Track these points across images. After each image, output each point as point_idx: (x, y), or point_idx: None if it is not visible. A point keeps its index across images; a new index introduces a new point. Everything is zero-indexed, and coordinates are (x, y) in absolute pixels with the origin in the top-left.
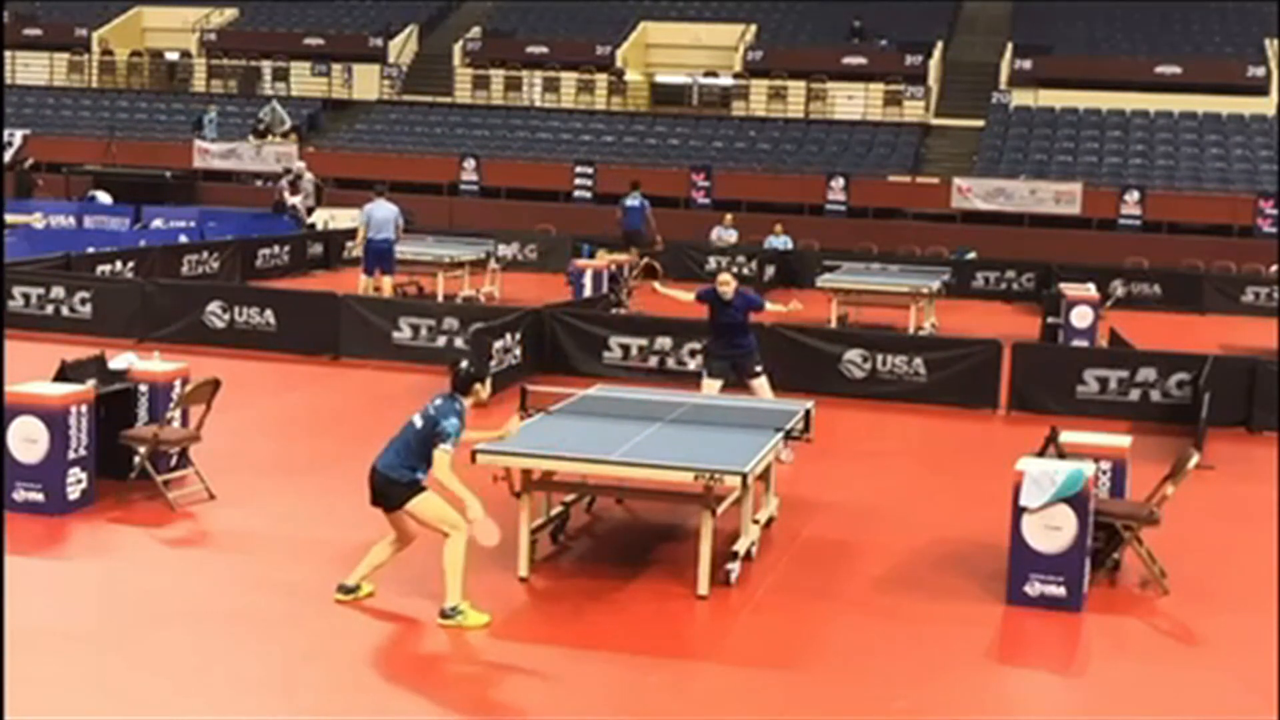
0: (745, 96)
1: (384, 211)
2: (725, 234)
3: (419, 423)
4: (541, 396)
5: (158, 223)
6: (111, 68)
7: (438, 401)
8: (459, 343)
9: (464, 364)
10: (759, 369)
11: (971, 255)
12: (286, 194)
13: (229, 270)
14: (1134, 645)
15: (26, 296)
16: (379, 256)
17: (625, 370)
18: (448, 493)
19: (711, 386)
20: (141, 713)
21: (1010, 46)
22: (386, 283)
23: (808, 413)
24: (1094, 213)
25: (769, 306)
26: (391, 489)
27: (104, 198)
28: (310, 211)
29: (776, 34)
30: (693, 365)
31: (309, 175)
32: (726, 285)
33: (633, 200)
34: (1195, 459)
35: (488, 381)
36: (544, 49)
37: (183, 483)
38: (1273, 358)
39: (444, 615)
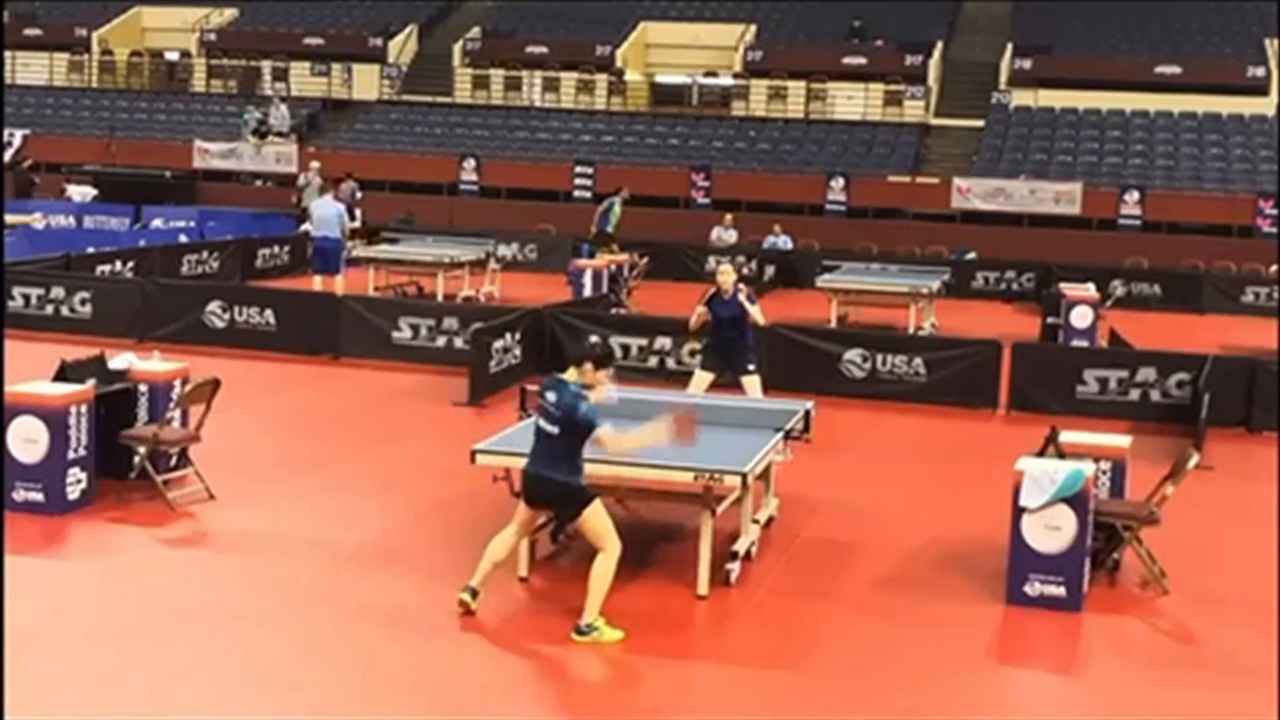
0: (745, 96)
1: (326, 209)
2: (725, 234)
3: (552, 429)
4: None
5: (158, 223)
6: (111, 68)
7: (550, 396)
8: (459, 343)
9: (594, 339)
10: (751, 367)
11: (971, 255)
12: (356, 193)
13: (229, 270)
14: (1134, 645)
15: (26, 296)
16: (318, 255)
17: (625, 370)
18: (627, 444)
19: (701, 381)
20: (141, 713)
21: (1010, 46)
22: (337, 282)
23: (808, 413)
24: (1094, 213)
25: (751, 310)
26: (579, 495)
27: (78, 193)
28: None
29: (776, 34)
30: (693, 365)
31: (319, 180)
32: (726, 275)
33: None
34: (1195, 459)
35: (602, 364)
36: (544, 49)
37: (182, 483)
38: (1273, 358)
39: (580, 632)
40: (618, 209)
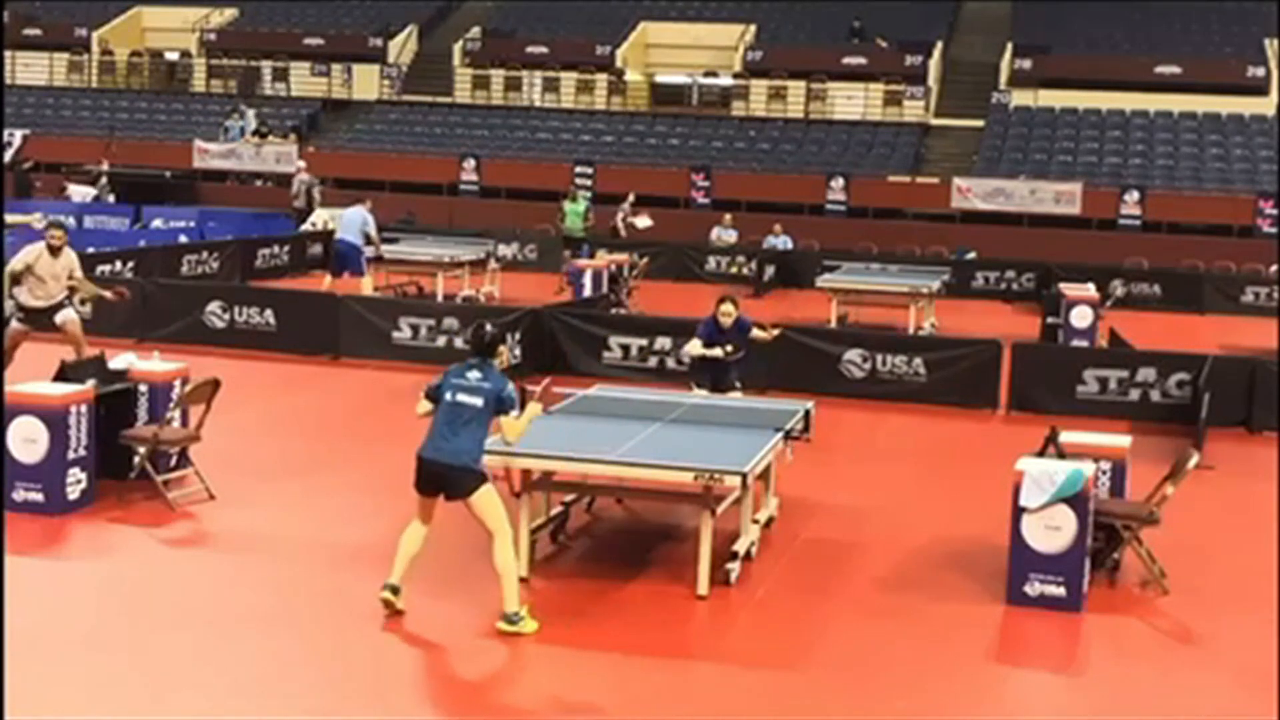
0: (745, 96)
1: (350, 214)
2: (725, 234)
3: (477, 401)
4: (541, 397)
5: (158, 223)
6: (111, 68)
7: (474, 374)
8: (459, 343)
9: (488, 327)
10: (737, 385)
11: (971, 255)
12: (631, 218)
13: (229, 270)
14: (1134, 645)
15: None
16: (336, 257)
17: (625, 370)
18: (520, 426)
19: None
20: (141, 713)
21: (1010, 46)
22: (363, 283)
23: (808, 413)
24: (1094, 213)
25: (755, 333)
26: (465, 477)
27: (78, 193)
28: (303, 214)
29: (776, 34)
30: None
31: (304, 177)
32: (728, 316)
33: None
34: (1195, 459)
35: (509, 343)
36: (544, 49)
37: (183, 483)
38: (1273, 358)
39: (509, 621)
40: (566, 209)
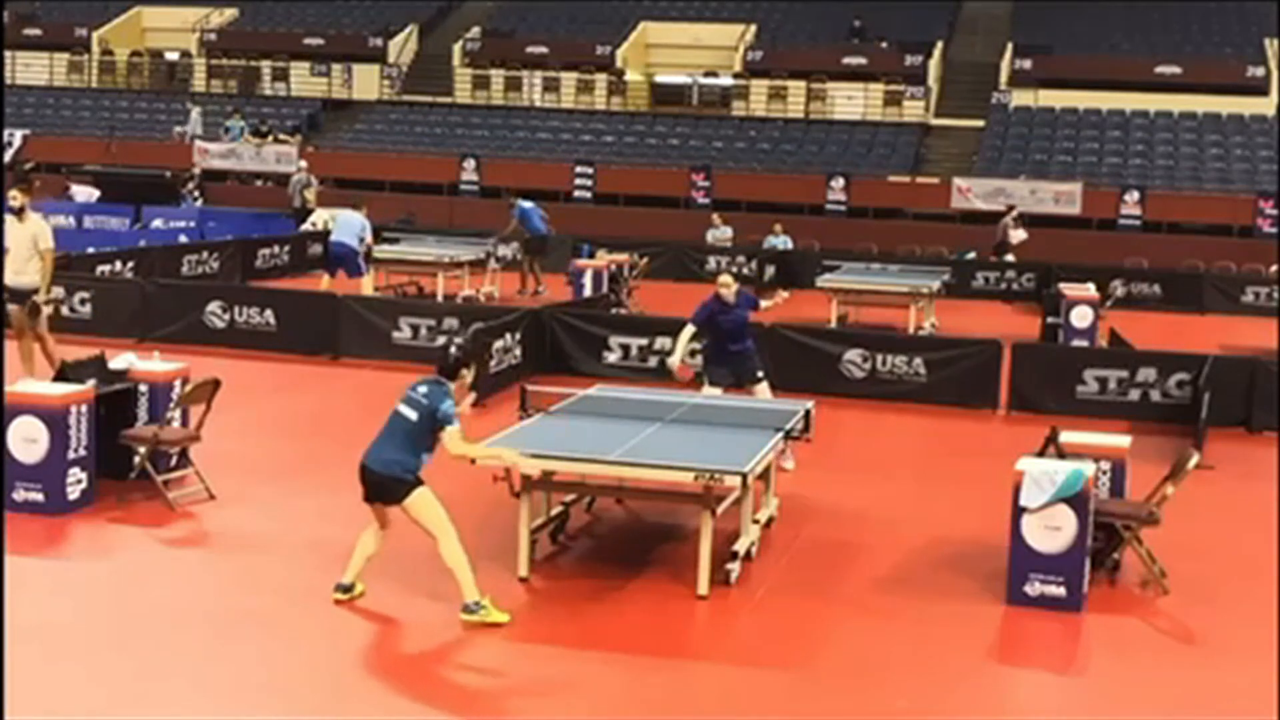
0: (745, 96)
1: (347, 216)
2: (720, 233)
3: (412, 414)
4: (541, 396)
5: (158, 223)
6: (111, 68)
7: (423, 388)
8: (459, 343)
9: (452, 349)
10: (760, 374)
11: (971, 255)
12: (1011, 231)
13: (229, 270)
14: (1134, 645)
15: None
16: (331, 258)
17: (625, 370)
18: (469, 450)
19: (713, 394)
20: (141, 712)
21: (1010, 46)
22: (364, 283)
23: (808, 413)
24: (1094, 213)
25: (764, 305)
26: (395, 485)
27: (83, 193)
28: (302, 213)
29: (776, 34)
30: (693, 365)
31: (298, 177)
32: (728, 288)
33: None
34: (1195, 459)
35: (473, 367)
36: (544, 49)
37: (183, 483)
38: (1273, 358)
39: (467, 610)
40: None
